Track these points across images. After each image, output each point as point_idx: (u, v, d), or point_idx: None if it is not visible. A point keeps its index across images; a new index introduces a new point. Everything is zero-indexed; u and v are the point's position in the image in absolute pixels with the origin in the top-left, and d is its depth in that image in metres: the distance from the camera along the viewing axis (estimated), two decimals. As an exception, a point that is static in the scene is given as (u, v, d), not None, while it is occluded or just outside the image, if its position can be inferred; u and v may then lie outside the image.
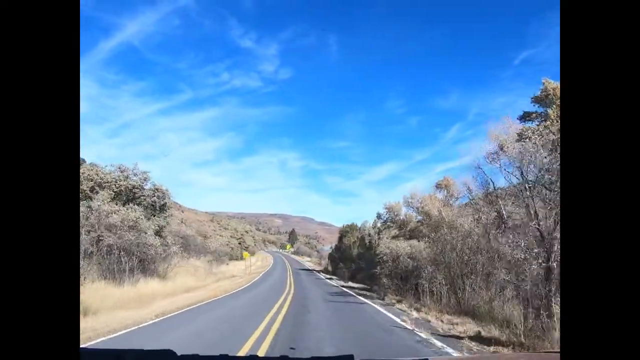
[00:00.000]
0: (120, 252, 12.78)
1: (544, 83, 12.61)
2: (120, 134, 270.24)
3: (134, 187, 16.09)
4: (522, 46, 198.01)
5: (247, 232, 67.57)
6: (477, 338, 6.43)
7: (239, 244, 52.26)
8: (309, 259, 65.91)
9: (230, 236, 51.75)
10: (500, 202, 8.30)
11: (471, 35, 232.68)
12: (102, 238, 12.77)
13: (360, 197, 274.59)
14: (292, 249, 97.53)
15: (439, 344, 6.04)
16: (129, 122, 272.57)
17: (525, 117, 13.84)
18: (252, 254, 59.19)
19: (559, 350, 1.22)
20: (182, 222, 33.16)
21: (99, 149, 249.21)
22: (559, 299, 5.58)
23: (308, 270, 38.35)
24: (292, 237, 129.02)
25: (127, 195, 15.95)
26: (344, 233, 32.89)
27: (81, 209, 12.59)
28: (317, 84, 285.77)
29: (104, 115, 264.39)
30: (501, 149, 7.85)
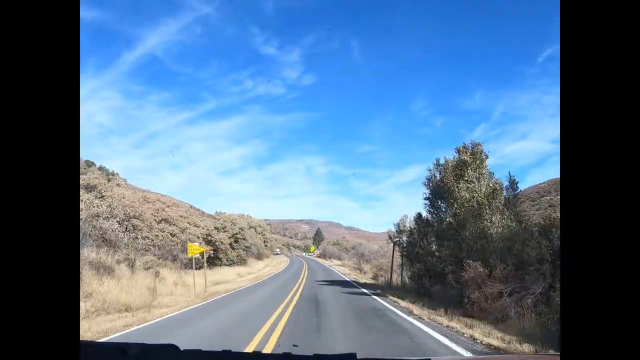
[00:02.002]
0: None
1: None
2: (147, 144, 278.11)
3: None
4: (546, 42, 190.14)
5: (252, 227, 48.83)
6: None
7: (236, 242, 34.45)
8: (339, 262, 53.35)
9: (217, 228, 31.80)
10: None
11: (495, 32, 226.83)
12: None
13: (387, 200, 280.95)
14: (316, 251, 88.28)
15: None
16: (155, 133, 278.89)
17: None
18: (259, 257, 46.00)
19: (559, 353, 1.30)
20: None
21: (127, 161, 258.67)
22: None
23: (347, 286, 18.76)
24: (317, 237, 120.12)
25: None
26: (456, 168, 13.08)
27: None
28: (341, 89, 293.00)
29: (130, 127, 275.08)
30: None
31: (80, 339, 1.16)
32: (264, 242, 56.78)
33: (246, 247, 37.42)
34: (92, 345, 1.33)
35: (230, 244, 33.09)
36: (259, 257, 46.80)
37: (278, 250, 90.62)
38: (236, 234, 36.23)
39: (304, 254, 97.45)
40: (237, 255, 33.12)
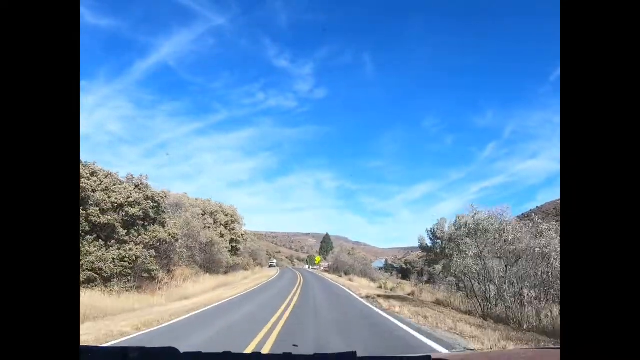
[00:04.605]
0: None
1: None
2: (157, 154, 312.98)
3: None
4: (558, 62, 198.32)
5: (209, 213, 34.84)
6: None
7: (129, 226, 16.80)
8: (373, 285, 33.38)
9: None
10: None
11: (507, 51, 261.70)
12: None
13: (395, 216, 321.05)
14: (323, 263, 76.12)
15: None
16: (166, 142, 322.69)
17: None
18: (209, 269, 29.04)
19: (558, 347, 1.55)
20: None
21: (136, 169, 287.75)
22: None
23: None
24: (326, 245, 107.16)
25: None
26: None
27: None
28: (353, 104, 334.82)
29: (140, 136, 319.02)
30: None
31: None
32: (233, 242, 36.88)
33: (160, 242, 17.98)
34: (92, 350, 1.50)
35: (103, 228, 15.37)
36: (209, 268, 28.76)
37: (275, 261, 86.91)
38: (126, 203, 16.71)
39: (306, 266, 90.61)
40: (122, 262, 15.49)
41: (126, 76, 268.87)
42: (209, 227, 32.44)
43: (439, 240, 51.12)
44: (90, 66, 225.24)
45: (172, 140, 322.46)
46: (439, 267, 49.57)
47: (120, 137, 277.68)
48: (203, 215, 33.08)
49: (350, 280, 38.60)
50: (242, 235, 39.71)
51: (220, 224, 35.92)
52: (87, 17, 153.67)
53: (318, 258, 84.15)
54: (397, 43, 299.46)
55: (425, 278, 45.45)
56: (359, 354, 1.37)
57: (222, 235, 34.69)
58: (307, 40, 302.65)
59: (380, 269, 61.22)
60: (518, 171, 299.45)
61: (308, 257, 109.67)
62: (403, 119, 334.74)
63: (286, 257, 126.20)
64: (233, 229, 37.65)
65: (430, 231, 52.72)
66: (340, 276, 45.67)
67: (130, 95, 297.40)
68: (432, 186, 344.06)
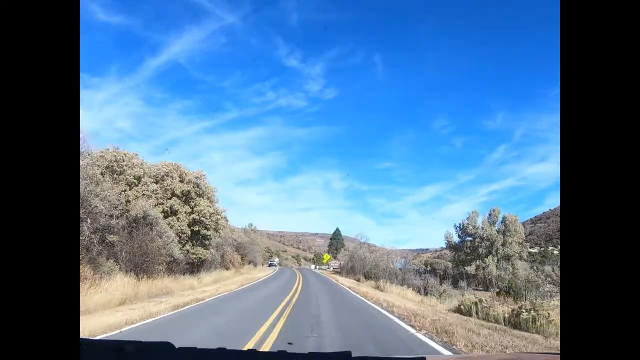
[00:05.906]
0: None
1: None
2: (165, 151, 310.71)
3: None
4: None
5: (155, 177, 24.35)
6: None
7: None
8: (443, 308, 17.32)
9: None
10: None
11: (518, 53, 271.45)
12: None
13: (404, 218, 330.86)
14: (333, 262, 70.17)
15: None
16: (175, 140, 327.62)
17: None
18: (152, 270, 18.15)
19: (558, 351, 1.60)
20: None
21: None
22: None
23: None
24: (335, 240, 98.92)
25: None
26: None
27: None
28: (363, 104, 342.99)
29: (150, 133, 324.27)
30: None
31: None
32: (195, 225, 25.82)
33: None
34: (90, 342, 1.61)
35: None
36: (138, 265, 17.75)
37: (276, 260, 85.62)
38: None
39: (312, 266, 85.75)
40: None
41: (137, 73, 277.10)
42: (150, 197, 21.17)
43: (469, 238, 41.31)
44: (101, 63, 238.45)
45: (181, 138, 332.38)
46: (470, 269, 38.21)
47: (129, 134, 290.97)
48: (141, 178, 21.85)
49: (378, 288, 26.50)
50: (211, 215, 25.94)
51: (172, 194, 24.47)
52: (99, 14, 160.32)
53: (326, 256, 78.62)
54: (406, 45, 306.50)
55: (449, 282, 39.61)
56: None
57: (173, 213, 23.35)
58: (317, 40, 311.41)
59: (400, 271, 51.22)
60: (528, 175, 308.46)
61: (315, 255, 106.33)
62: (413, 120, 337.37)
63: (292, 256, 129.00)
64: (197, 205, 25.79)
65: (459, 227, 42.15)
66: (359, 280, 33.88)
67: (140, 92, 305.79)
68: (441, 188, 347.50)
